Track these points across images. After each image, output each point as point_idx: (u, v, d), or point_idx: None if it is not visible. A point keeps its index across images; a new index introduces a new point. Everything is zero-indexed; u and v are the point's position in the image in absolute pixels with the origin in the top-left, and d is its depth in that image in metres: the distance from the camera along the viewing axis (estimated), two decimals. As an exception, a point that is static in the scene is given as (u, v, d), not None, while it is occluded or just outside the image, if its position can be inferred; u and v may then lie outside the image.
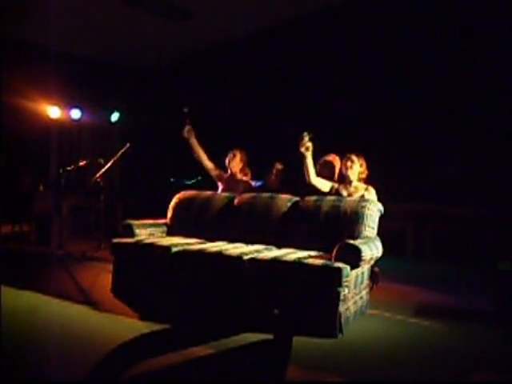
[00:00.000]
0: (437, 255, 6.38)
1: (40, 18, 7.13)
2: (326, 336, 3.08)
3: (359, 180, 4.27)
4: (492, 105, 6.05)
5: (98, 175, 6.42)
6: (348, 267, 3.14)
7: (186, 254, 3.68)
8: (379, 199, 4.12)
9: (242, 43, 8.13)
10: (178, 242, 3.95)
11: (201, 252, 3.64)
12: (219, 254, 3.53)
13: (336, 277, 3.06)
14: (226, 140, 5.18)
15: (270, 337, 3.16)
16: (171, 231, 4.55)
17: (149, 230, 4.40)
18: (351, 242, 3.30)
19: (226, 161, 4.88)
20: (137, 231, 4.27)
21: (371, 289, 3.90)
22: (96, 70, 9.05)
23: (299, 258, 3.30)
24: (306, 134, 3.97)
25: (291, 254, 3.45)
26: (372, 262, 3.68)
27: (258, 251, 3.60)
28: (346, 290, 3.15)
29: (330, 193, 4.20)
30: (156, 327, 3.32)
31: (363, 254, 3.21)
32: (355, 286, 3.41)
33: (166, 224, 4.62)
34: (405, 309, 3.89)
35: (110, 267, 4.15)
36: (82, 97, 8.84)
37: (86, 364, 2.67)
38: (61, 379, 2.51)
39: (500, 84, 5.98)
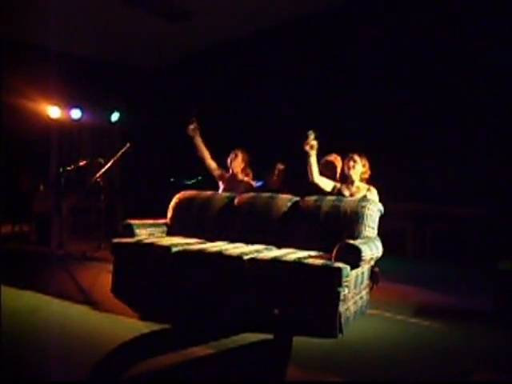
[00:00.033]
0: (437, 255, 6.37)
1: (40, 18, 7.12)
2: (326, 336, 3.08)
3: (361, 180, 4.26)
4: (492, 105, 6.05)
5: (97, 175, 6.42)
6: (348, 267, 3.14)
7: (186, 254, 3.68)
8: (380, 199, 4.12)
9: (242, 43, 8.13)
10: (178, 242, 3.95)
11: (201, 252, 3.64)
12: (219, 254, 3.53)
13: (336, 277, 3.06)
14: (227, 140, 5.18)
15: (270, 337, 3.17)
16: (171, 231, 4.55)
17: (149, 230, 4.40)
18: (351, 242, 3.30)
19: (228, 161, 4.88)
20: (137, 231, 4.27)
21: (371, 289, 3.90)
22: (96, 70, 9.04)
23: (299, 258, 3.30)
24: (310, 132, 3.98)
25: (291, 254, 3.45)
26: (372, 262, 3.68)
27: (258, 251, 3.60)
28: (346, 290, 3.15)
29: (332, 192, 4.19)
30: (156, 327, 3.32)
31: (363, 254, 3.21)
32: (355, 286, 3.41)
33: (166, 224, 4.62)
34: (405, 309, 3.90)
35: (110, 267, 4.15)
36: (81, 97, 8.83)
37: (86, 364, 2.67)
38: (61, 379, 2.51)
39: (500, 84, 5.98)
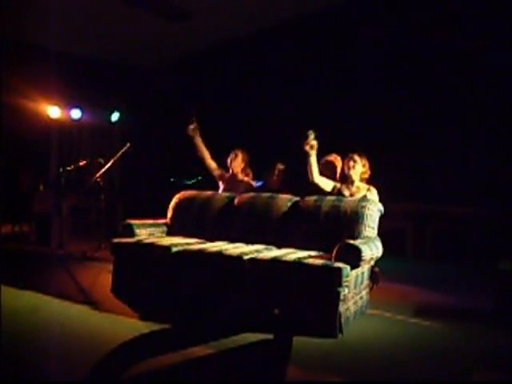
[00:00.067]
0: (437, 255, 6.38)
1: (40, 18, 7.13)
2: (326, 336, 3.08)
3: (361, 180, 4.26)
4: (492, 105, 6.05)
5: (97, 175, 6.42)
6: (348, 267, 3.13)
7: (186, 254, 3.68)
8: (380, 199, 4.12)
9: (242, 43, 8.13)
10: (178, 242, 3.95)
11: (201, 252, 3.64)
12: (219, 254, 3.53)
13: (336, 277, 3.06)
14: (227, 140, 5.18)
15: (270, 337, 3.17)
16: (171, 231, 4.55)
17: (149, 230, 4.40)
18: (351, 241, 3.30)
19: (228, 161, 4.88)
20: (137, 231, 4.27)
21: (371, 289, 3.90)
22: (96, 70, 9.04)
23: (299, 258, 3.30)
24: (311, 132, 3.98)
25: (291, 254, 3.45)
26: (372, 262, 3.68)
27: (258, 251, 3.60)
28: (346, 290, 3.15)
29: (332, 192, 4.19)
30: (156, 327, 3.32)
31: (363, 254, 3.21)
32: (355, 286, 3.41)
33: (166, 224, 4.62)
34: (405, 309, 3.90)
35: (110, 267, 4.15)
36: (81, 97, 8.83)
37: (86, 364, 2.67)
38: (61, 379, 2.51)
39: (500, 84, 5.98)
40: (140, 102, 9.57)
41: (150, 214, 4.95)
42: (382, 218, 3.88)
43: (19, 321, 3.42)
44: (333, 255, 3.26)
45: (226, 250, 3.62)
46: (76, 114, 8.74)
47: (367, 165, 4.25)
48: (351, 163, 4.20)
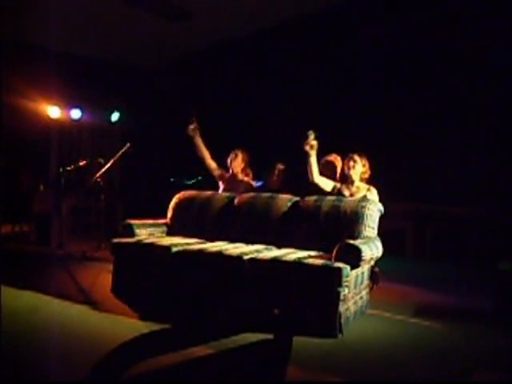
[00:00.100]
0: (437, 255, 6.38)
1: (40, 18, 7.12)
2: (326, 336, 3.08)
3: (361, 180, 4.26)
4: (492, 105, 6.05)
5: (97, 175, 6.42)
6: (348, 267, 3.13)
7: (186, 254, 3.68)
8: (380, 199, 4.12)
9: (242, 43, 8.13)
10: (178, 242, 3.95)
11: (201, 252, 3.64)
12: (219, 254, 3.53)
13: (336, 277, 3.06)
14: (227, 140, 5.18)
15: (270, 337, 3.17)
16: (171, 231, 4.55)
17: (149, 230, 4.40)
18: (351, 242, 3.30)
19: (228, 161, 4.88)
20: (137, 231, 4.26)
21: (371, 289, 3.90)
22: (96, 70, 9.04)
23: (299, 258, 3.30)
24: (311, 132, 3.98)
25: (291, 254, 3.45)
26: (372, 262, 3.68)
27: (258, 251, 3.60)
28: (346, 290, 3.15)
29: (332, 192, 4.19)
30: (156, 327, 3.32)
31: (363, 254, 3.21)
32: (355, 286, 3.41)
33: (166, 224, 4.62)
34: (405, 309, 3.90)
35: (110, 267, 4.15)
36: (81, 97, 8.83)
37: (86, 364, 2.67)
38: (61, 379, 2.51)
39: (500, 84, 5.98)
40: (140, 102, 9.57)
41: (150, 214, 4.95)
42: (382, 218, 3.88)
43: (19, 321, 3.42)
44: (333, 255, 3.26)
45: (226, 249, 3.62)
46: (76, 114, 8.73)
47: (367, 165, 4.25)
48: (351, 163, 4.20)
